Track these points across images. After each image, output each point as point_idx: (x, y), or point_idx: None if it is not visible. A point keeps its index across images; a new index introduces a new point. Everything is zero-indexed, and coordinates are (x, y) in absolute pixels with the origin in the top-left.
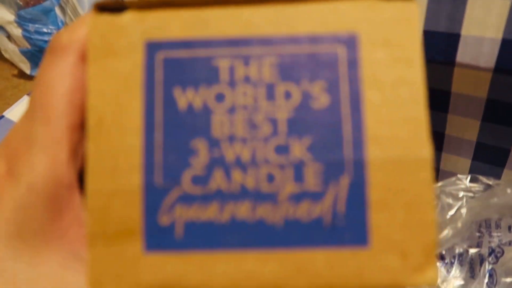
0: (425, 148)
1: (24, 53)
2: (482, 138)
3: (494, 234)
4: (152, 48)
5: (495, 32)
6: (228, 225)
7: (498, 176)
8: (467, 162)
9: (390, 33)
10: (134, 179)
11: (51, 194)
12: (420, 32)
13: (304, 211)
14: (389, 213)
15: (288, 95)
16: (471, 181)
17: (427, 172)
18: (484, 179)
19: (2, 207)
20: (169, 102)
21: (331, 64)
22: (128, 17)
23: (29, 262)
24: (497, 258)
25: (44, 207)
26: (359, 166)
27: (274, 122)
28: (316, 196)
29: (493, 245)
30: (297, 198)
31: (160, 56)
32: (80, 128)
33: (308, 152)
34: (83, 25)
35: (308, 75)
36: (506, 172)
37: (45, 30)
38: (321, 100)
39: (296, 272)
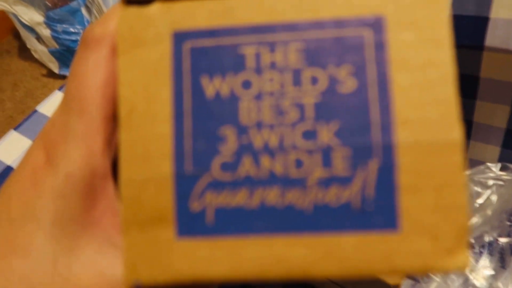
0: (455, 130)
1: (53, 53)
2: (509, 124)
3: None
4: (179, 38)
5: None
6: (258, 211)
7: None
8: (496, 150)
9: (417, 15)
10: (165, 167)
11: (87, 184)
12: (448, 12)
13: (333, 195)
14: (419, 197)
15: (314, 80)
16: (501, 169)
17: (458, 154)
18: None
19: (41, 196)
20: (197, 90)
21: (357, 48)
22: (155, 8)
23: (67, 247)
24: None
25: (81, 196)
26: (388, 150)
27: (301, 107)
28: (344, 181)
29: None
30: (326, 183)
31: (187, 45)
32: (113, 119)
33: (336, 137)
34: (114, 17)
35: (334, 59)
36: None
37: (72, 30)
38: (348, 84)
39: (324, 256)
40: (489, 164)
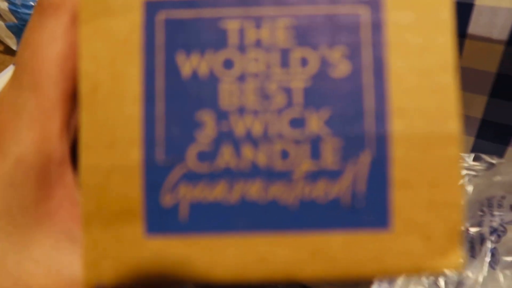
0: (453, 122)
1: (10, 27)
2: (487, 115)
3: (496, 213)
4: (152, 7)
5: (510, 2)
6: (238, 206)
7: (501, 155)
8: (470, 140)
9: None
10: (133, 154)
11: (41, 170)
12: None
13: (321, 191)
14: (413, 193)
15: (304, 61)
16: (474, 159)
17: (455, 148)
18: (487, 157)
19: None
20: (172, 68)
21: (353, 28)
22: None
23: (19, 243)
24: (499, 237)
25: (34, 185)
26: (382, 141)
27: (288, 92)
28: (334, 175)
29: (494, 224)
30: (314, 176)
31: (161, 16)
32: (73, 97)
33: (326, 126)
34: None
35: (327, 39)
36: (510, 150)
37: (32, 3)
38: (341, 67)
39: (311, 256)
40: (462, 154)
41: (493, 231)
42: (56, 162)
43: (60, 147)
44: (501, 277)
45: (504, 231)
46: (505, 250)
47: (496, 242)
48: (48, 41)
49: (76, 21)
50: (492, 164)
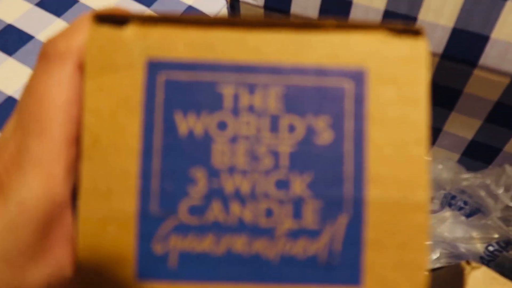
0: (422, 191)
1: None
2: None
3: None
4: (154, 67)
5: (447, 20)
6: (224, 258)
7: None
8: (455, 157)
9: (398, 71)
10: (129, 205)
11: (44, 214)
12: (428, 72)
13: (300, 248)
14: (383, 253)
15: (292, 128)
16: None
17: (423, 215)
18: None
19: None
20: (169, 126)
21: (337, 99)
22: (130, 32)
23: (11, 283)
24: None
25: (34, 227)
26: (358, 205)
27: (276, 155)
28: (313, 234)
29: None
30: (294, 234)
31: (162, 77)
32: (76, 142)
33: (308, 189)
34: (81, 31)
35: (313, 108)
36: (435, 150)
37: None
38: (324, 135)
39: None
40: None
41: None
42: (58, 205)
43: (63, 190)
44: None
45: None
46: None
47: None
48: (54, 88)
49: (80, 69)
50: None
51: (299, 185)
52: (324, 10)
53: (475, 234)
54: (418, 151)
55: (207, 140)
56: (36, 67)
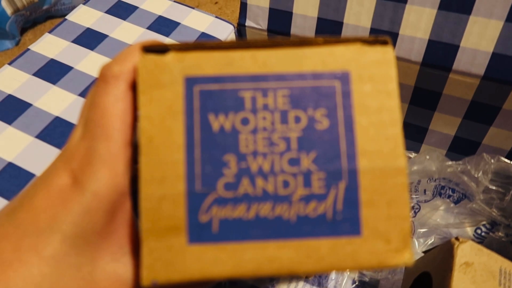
0: (401, 159)
1: None
2: (407, 119)
3: (413, 196)
4: (190, 82)
5: (423, 34)
6: (254, 221)
7: (417, 150)
8: (443, 152)
9: (374, 71)
10: (179, 187)
11: (111, 200)
12: (396, 70)
13: (312, 209)
14: (375, 210)
15: (297, 119)
16: None
17: (403, 177)
18: (406, 153)
19: (69, 212)
20: (205, 125)
21: (330, 95)
22: (170, 57)
23: (89, 257)
24: (415, 213)
25: (105, 211)
26: (353, 174)
27: (287, 140)
28: (320, 197)
29: (412, 203)
30: (306, 199)
31: (197, 88)
32: (131, 145)
33: (314, 164)
34: (130, 58)
35: (312, 103)
36: (423, 147)
37: None
38: (323, 123)
39: (306, 257)
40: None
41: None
42: (121, 193)
43: (124, 181)
44: (416, 244)
45: (419, 208)
46: (419, 223)
47: (413, 217)
48: (113, 103)
49: (130, 87)
50: (409, 158)
51: (306, 162)
52: (320, 30)
53: (464, 218)
54: (395, 130)
55: (234, 133)
56: (96, 86)
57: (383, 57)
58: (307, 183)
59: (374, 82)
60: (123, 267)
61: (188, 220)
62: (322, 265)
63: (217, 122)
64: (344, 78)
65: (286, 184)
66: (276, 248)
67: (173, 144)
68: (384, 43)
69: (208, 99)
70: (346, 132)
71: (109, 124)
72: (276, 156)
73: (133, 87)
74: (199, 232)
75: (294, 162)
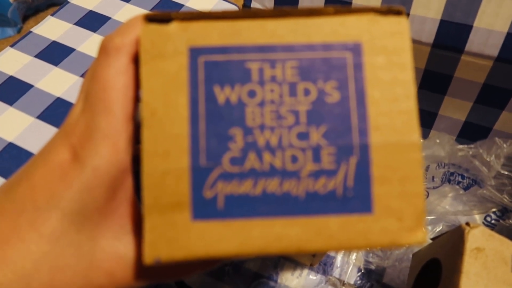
0: (415, 134)
1: None
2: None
3: None
4: (195, 53)
5: (435, 13)
6: (260, 197)
7: (425, 136)
8: (452, 139)
9: (387, 42)
10: (183, 161)
11: (112, 177)
12: (410, 41)
13: (321, 185)
14: (388, 186)
15: (307, 92)
16: None
17: (417, 153)
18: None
19: (68, 188)
20: (210, 97)
21: (341, 67)
22: (173, 27)
23: (90, 235)
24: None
25: (105, 188)
26: (364, 149)
27: (296, 113)
28: (330, 173)
29: None
30: (316, 175)
31: (202, 59)
32: (133, 119)
33: (324, 138)
34: (132, 29)
35: (322, 76)
36: (432, 133)
37: None
38: (333, 96)
39: (315, 235)
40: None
41: None
42: (122, 170)
43: (126, 158)
44: None
45: (427, 195)
46: (427, 210)
47: None
48: (114, 76)
49: (132, 60)
50: None
51: (316, 136)
52: None
53: (473, 206)
54: (408, 104)
55: (241, 106)
56: (97, 58)
57: (397, 28)
58: (317, 158)
59: (387, 54)
60: (124, 246)
61: (192, 196)
62: (332, 243)
63: (222, 94)
64: (355, 49)
65: (294, 159)
66: (284, 225)
67: (177, 117)
68: (398, 13)
69: (213, 70)
70: (357, 105)
71: (110, 98)
72: (284, 130)
73: (136, 60)
74: (203, 208)
75: (303, 136)
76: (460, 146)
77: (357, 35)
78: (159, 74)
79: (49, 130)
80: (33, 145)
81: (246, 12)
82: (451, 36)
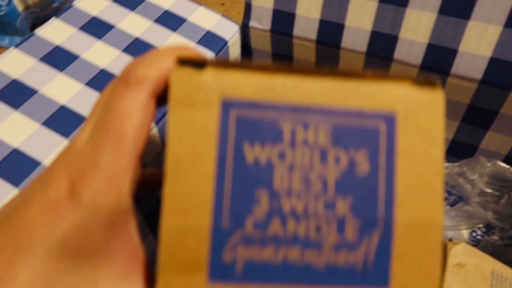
0: (439, 215)
1: None
2: None
3: None
4: (227, 105)
5: (423, 37)
6: (281, 266)
7: None
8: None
9: (421, 115)
10: (205, 220)
11: (112, 219)
12: (444, 117)
13: (342, 258)
14: (406, 264)
15: (337, 160)
16: None
17: (438, 234)
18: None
19: (64, 228)
20: (239, 154)
21: (373, 136)
22: (208, 74)
23: (89, 277)
24: None
25: (104, 229)
26: (389, 224)
27: (324, 181)
28: (352, 247)
29: None
30: (338, 247)
31: (234, 113)
32: (140, 158)
33: (350, 210)
34: (159, 62)
35: (354, 143)
36: None
37: None
38: (363, 167)
39: None
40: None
41: None
42: (123, 213)
43: (128, 200)
44: None
45: None
46: None
47: None
48: (131, 111)
49: (153, 96)
50: None
51: (342, 206)
52: (321, 32)
53: (460, 221)
54: (436, 182)
55: (269, 167)
56: (116, 87)
57: (431, 101)
58: (341, 229)
59: (420, 128)
60: None
61: (210, 258)
62: None
63: (252, 153)
64: (389, 119)
65: (318, 229)
66: None
67: (203, 172)
68: (434, 84)
69: (244, 126)
70: (386, 179)
71: (122, 134)
72: (311, 197)
73: (156, 97)
74: (221, 272)
75: (329, 205)
76: (446, 164)
77: (392, 104)
78: (188, 124)
79: (54, 138)
80: (39, 153)
81: (283, 66)
82: (437, 59)
